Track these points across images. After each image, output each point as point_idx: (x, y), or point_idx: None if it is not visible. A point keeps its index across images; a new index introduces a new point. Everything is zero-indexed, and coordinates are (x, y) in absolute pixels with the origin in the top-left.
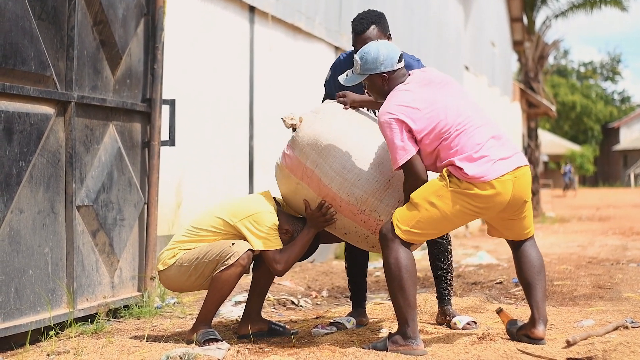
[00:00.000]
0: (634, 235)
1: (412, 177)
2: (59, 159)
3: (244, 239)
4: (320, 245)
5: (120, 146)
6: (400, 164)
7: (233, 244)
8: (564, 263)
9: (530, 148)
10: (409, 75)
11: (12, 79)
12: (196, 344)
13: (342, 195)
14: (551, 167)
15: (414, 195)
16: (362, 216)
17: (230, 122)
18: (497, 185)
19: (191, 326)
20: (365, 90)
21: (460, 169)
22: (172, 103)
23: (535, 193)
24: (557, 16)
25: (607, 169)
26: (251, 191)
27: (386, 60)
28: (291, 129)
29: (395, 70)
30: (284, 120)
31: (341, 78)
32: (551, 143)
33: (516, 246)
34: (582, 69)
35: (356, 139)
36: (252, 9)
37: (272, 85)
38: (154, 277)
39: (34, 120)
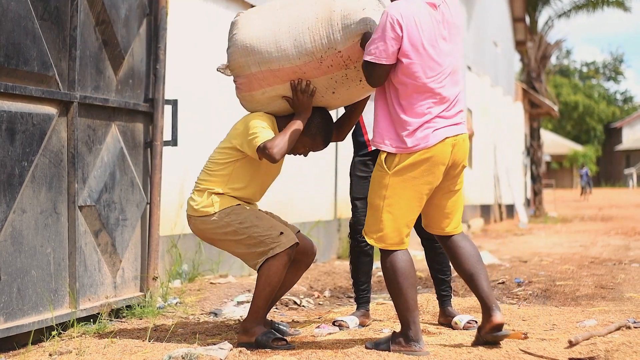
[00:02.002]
0: (637, 235)
1: (367, 75)
2: (62, 159)
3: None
4: (322, 245)
5: (123, 146)
6: (366, 59)
7: (282, 233)
8: (567, 263)
9: (533, 148)
10: None
11: (15, 79)
12: (259, 346)
13: (297, 62)
14: (554, 167)
15: (369, 200)
16: (326, 62)
17: (233, 121)
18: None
19: (242, 328)
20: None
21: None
22: (174, 103)
23: (537, 193)
24: (559, 16)
25: (610, 169)
26: None
27: None
28: (230, 74)
29: None
30: (222, 72)
31: None
32: (553, 143)
33: (448, 241)
34: (585, 69)
35: (269, 20)
36: None
37: None
38: (157, 277)
39: (37, 120)
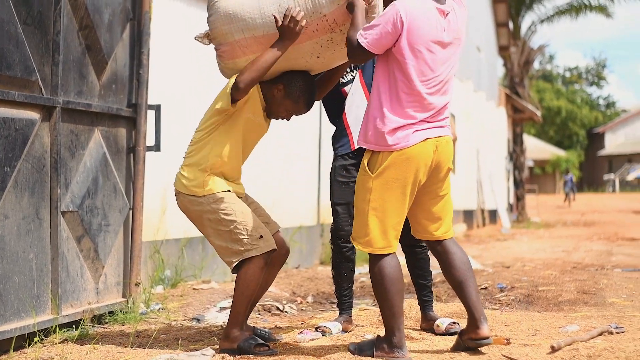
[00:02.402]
0: (619, 241)
1: (350, 52)
2: (44, 165)
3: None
4: (305, 251)
5: (106, 151)
6: (359, 41)
7: (261, 236)
8: (549, 268)
9: (516, 153)
10: None
11: None
12: (241, 352)
13: None
14: (536, 172)
15: (355, 205)
16: (311, 27)
17: None
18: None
19: (224, 334)
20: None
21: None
22: (157, 108)
23: (520, 198)
24: (542, 21)
25: (593, 174)
26: None
27: None
28: (208, 43)
29: None
30: (200, 40)
31: None
32: (536, 148)
33: (438, 247)
34: (568, 74)
35: None
36: None
37: None
38: (139, 283)
39: (19, 125)
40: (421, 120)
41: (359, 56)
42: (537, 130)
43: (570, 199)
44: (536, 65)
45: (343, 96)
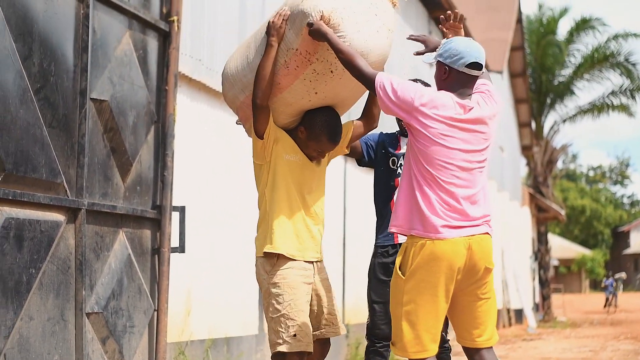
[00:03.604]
0: None
1: (357, 77)
2: (69, 266)
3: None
4: (330, 352)
5: (130, 253)
6: (376, 85)
7: (295, 335)
8: None
9: (541, 252)
10: (474, 97)
11: (23, 186)
12: None
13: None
14: (562, 271)
15: (390, 308)
16: (292, 65)
17: (240, 228)
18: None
19: None
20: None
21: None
22: (182, 210)
23: (546, 297)
24: (565, 121)
25: (618, 273)
26: (261, 298)
27: (457, 56)
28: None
29: (460, 73)
30: (238, 123)
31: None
32: (561, 247)
33: (476, 356)
34: (591, 173)
35: (242, 48)
36: None
37: None
38: None
39: (45, 227)
40: (451, 211)
41: (361, 82)
42: (561, 229)
43: (612, 305)
44: (559, 164)
45: (394, 186)
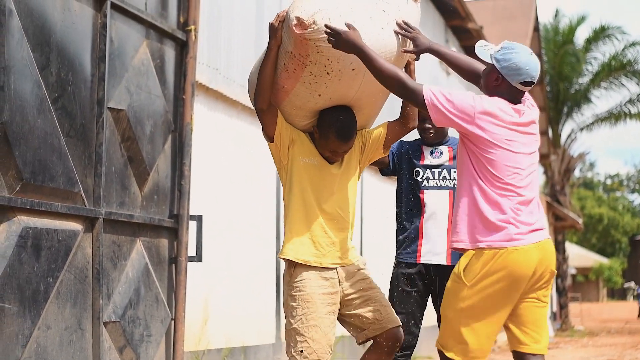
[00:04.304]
0: None
1: (399, 92)
2: (87, 275)
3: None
4: None
5: (148, 262)
6: (426, 98)
7: (301, 351)
8: None
9: (558, 261)
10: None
11: (41, 196)
12: None
13: (276, 79)
14: (579, 280)
15: (444, 312)
16: (290, 68)
17: (258, 237)
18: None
19: None
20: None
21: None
22: (199, 219)
23: (563, 306)
24: (582, 129)
25: (636, 281)
26: (278, 308)
27: (515, 71)
28: None
29: (510, 85)
30: None
31: (480, 42)
32: (579, 256)
33: None
34: (609, 182)
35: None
36: None
37: None
38: None
39: (62, 236)
40: (515, 218)
41: (405, 96)
42: (579, 237)
43: None
44: (577, 172)
45: (420, 199)
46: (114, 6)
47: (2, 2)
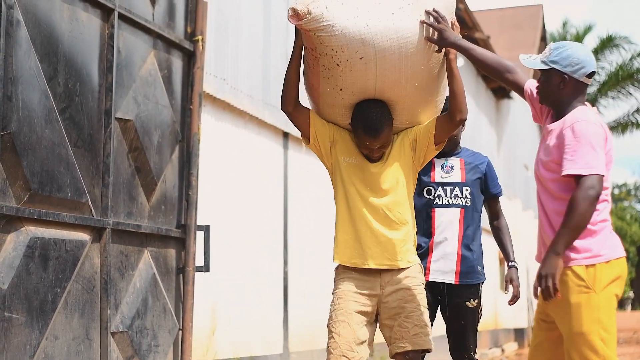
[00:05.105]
0: None
1: (580, 201)
2: (94, 285)
3: None
4: None
5: (155, 272)
6: (579, 173)
7: (328, 346)
8: None
9: None
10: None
11: (49, 206)
12: None
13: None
14: None
15: (580, 330)
16: (310, 63)
17: (265, 247)
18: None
19: None
20: (536, 86)
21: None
22: (206, 229)
23: None
24: None
25: None
26: (285, 318)
27: (578, 65)
28: None
29: (579, 82)
30: None
31: (523, 56)
32: None
33: None
34: (616, 191)
35: None
36: (286, 135)
37: (306, 211)
38: None
39: (70, 246)
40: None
41: (590, 192)
42: None
43: None
44: None
45: (432, 218)
46: (122, 16)
47: (10, 12)
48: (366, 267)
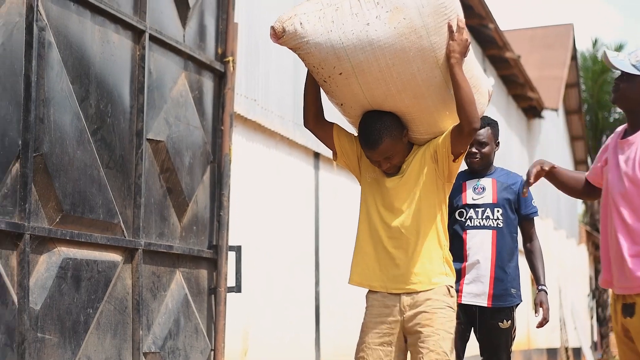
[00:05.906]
0: None
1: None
2: (126, 306)
3: None
4: None
5: (187, 293)
6: None
7: None
8: None
9: (599, 290)
10: None
11: (81, 227)
12: None
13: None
14: None
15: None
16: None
17: (297, 267)
18: None
19: None
20: (613, 91)
21: None
22: (238, 249)
23: (604, 336)
24: None
25: None
26: (317, 337)
27: None
28: None
29: None
30: None
31: (611, 53)
32: None
33: None
34: None
35: None
36: (317, 155)
37: (338, 231)
38: None
39: (102, 267)
40: None
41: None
42: None
43: None
44: None
45: (463, 240)
46: (153, 38)
47: (42, 34)
48: (389, 291)
